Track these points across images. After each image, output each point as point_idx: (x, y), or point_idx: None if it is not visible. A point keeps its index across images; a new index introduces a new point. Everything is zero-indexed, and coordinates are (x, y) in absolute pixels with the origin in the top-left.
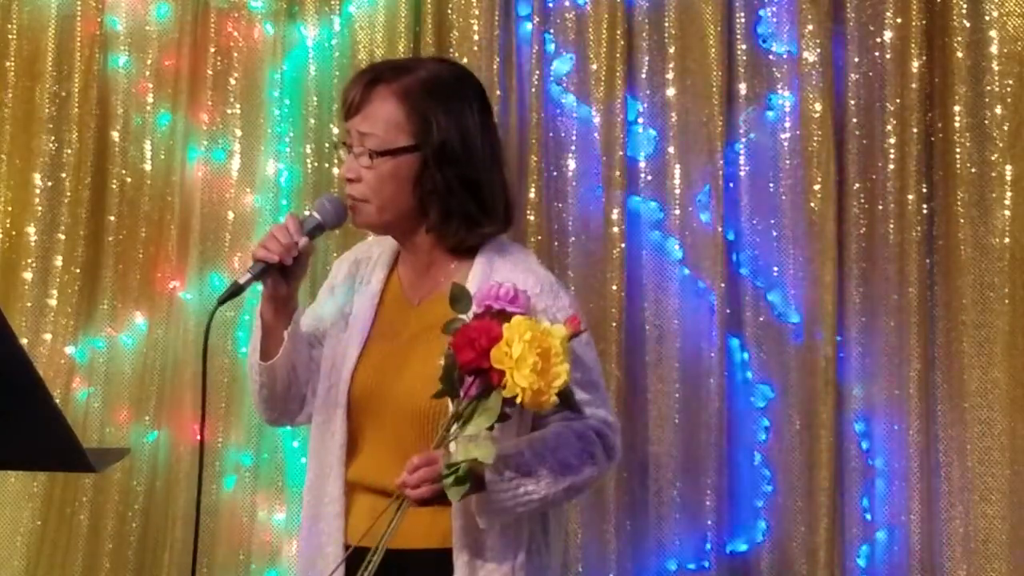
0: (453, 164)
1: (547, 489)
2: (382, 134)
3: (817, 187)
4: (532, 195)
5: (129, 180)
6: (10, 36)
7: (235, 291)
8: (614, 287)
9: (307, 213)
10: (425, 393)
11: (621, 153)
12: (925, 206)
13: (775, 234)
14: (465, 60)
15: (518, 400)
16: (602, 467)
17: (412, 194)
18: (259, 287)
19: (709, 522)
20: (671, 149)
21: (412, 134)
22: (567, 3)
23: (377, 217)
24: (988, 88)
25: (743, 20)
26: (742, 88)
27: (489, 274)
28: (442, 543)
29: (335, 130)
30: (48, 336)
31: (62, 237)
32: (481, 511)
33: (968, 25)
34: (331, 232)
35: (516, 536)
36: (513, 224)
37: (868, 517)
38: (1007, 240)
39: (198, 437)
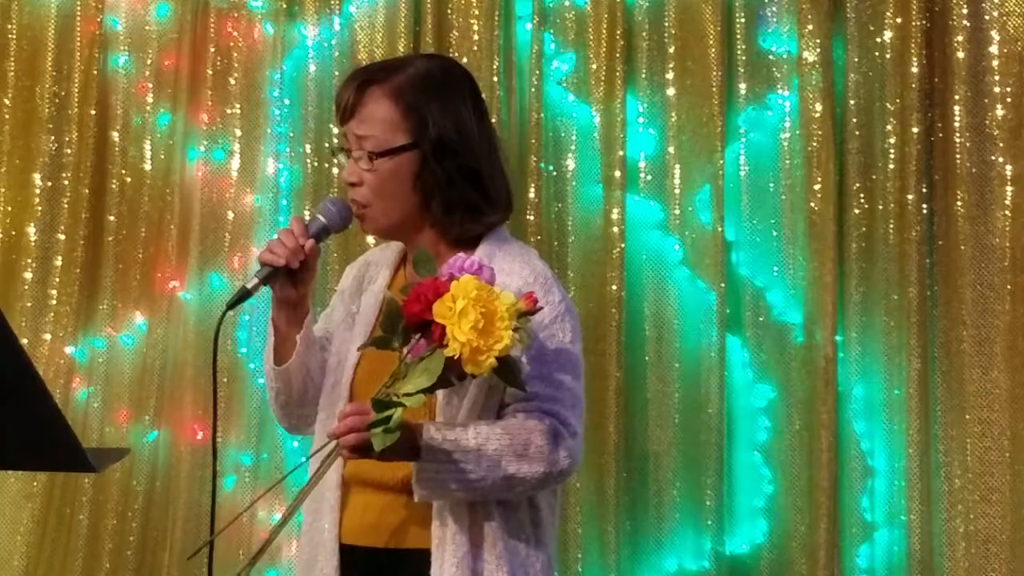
0: (451, 156)
1: (486, 471)
2: (379, 135)
3: (817, 187)
4: (532, 195)
5: (129, 180)
6: (10, 36)
7: (243, 296)
8: (614, 287)
9: (312, 216)
10: None
11: (621, 153)
12: (925, 206)
13: (775, 234)
14: (465, 60)
15: (456, 355)
16: (553, 467)
17: (414, 191)
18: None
19: (709, 522)
20: (671, 149)
21: (408, 132)
22: (567, 3)
23: (384, 220)
24: (988, 88)
25: (743, 20)
26: (742, 88)
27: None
28: (428, 543)
29: (335, 130)
30: (48, 336)
31: (62, 237)
32: (415, 479)
33: (968, 25)
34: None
35: (499, 526)
36: (514, 210)
37: (868, 517)
38: (1007, 240)
39: (199, 436)
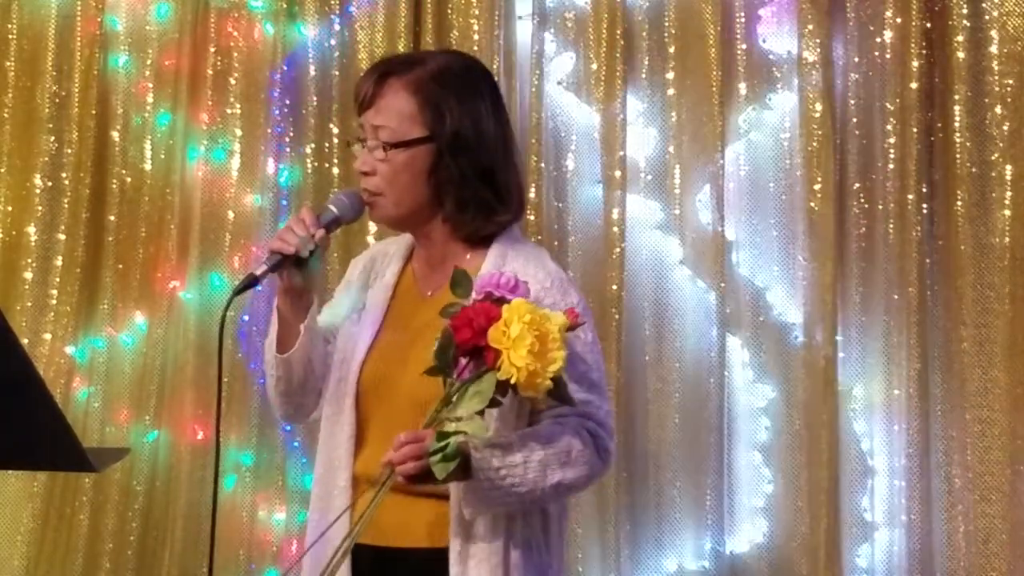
0: (466, 153)
1: (534, 483)
2: (395, 126)
3: (817, 187)
4: (532, 195)
5: (129, 180)
6: (10, 36)
7: (251, 282)
8: (614, 287)
9: (323, 207)
10: (430, 382)
11: (621, 153)
12: (925, 206)
13: (775, 234)
14: None
15: (513, 380)
16: (594, 468)
17: (427, 185)
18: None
19: (709, 522)
20: (671, 149)
21: (425, 125)
22: (567, 3)
23: (393, 210)
24: (988, 88)
25: (743, 20)
26: (742, 88)
27: (501, 266)
28: (441, 542)
29: (335, 130)
30: (48, 336)
31: (62, 237)
32: (466, 499)
33: (968, 25)
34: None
35: (512, 533)
36: (525, 211)
37: (868, 517)
38: (1007, 240)
39: (199, 436)
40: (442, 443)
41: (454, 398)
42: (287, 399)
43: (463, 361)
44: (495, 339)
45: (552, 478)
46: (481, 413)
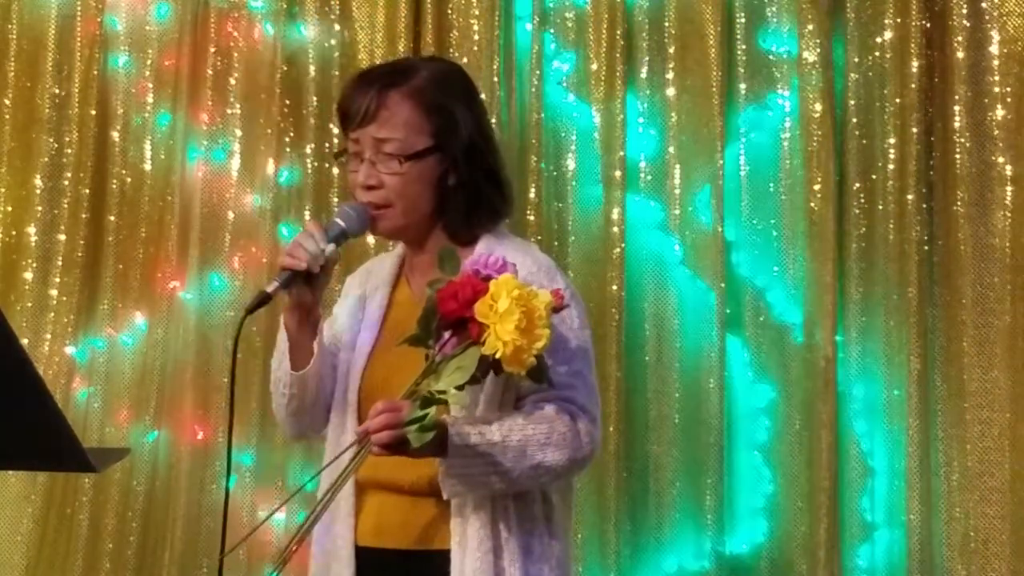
0: (478, 156)
1: (513, 463)
2: (403, 137)
3: (817, 187)
4: (532, 195)
5: (129, 180)
6: (10, 36)
7: (263, 300)
8: (614, 287)
9: (329, 221)
10: None
11: (621, 153)
12: (925, 206)
13: (775, 234)
14: (465, 60)
15: (498, 355)
16: (576, 452)
17: (434, 193)
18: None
19: (709, 522)
20: (671, 149)
21: (432, 134)
22: (567, 3)
23: (402, 220)
24: (988, 88)
25: (743, 20)
26: (742, 88)
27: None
28: (444, 544)
29: (335, 130)
30: (48, 336)
31: (62, 237)
32: (443, 477)
33: (968, 25)
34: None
35: (516, 523)
36: (514, 209)
37: (868, 517)
38: (1007, 240)
39: (199, 436)
40: (422, 412)
41: (435, 371)
42: (298, 418)
43: (446, 335)
44: (482, 313)
45: (533, 458)
46: (461, 388)
